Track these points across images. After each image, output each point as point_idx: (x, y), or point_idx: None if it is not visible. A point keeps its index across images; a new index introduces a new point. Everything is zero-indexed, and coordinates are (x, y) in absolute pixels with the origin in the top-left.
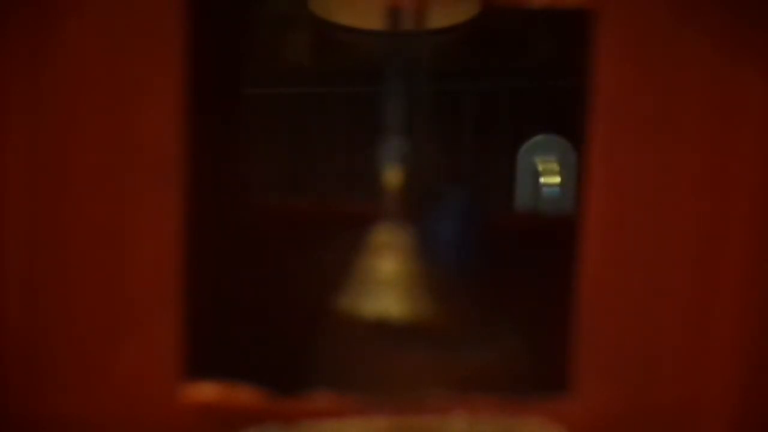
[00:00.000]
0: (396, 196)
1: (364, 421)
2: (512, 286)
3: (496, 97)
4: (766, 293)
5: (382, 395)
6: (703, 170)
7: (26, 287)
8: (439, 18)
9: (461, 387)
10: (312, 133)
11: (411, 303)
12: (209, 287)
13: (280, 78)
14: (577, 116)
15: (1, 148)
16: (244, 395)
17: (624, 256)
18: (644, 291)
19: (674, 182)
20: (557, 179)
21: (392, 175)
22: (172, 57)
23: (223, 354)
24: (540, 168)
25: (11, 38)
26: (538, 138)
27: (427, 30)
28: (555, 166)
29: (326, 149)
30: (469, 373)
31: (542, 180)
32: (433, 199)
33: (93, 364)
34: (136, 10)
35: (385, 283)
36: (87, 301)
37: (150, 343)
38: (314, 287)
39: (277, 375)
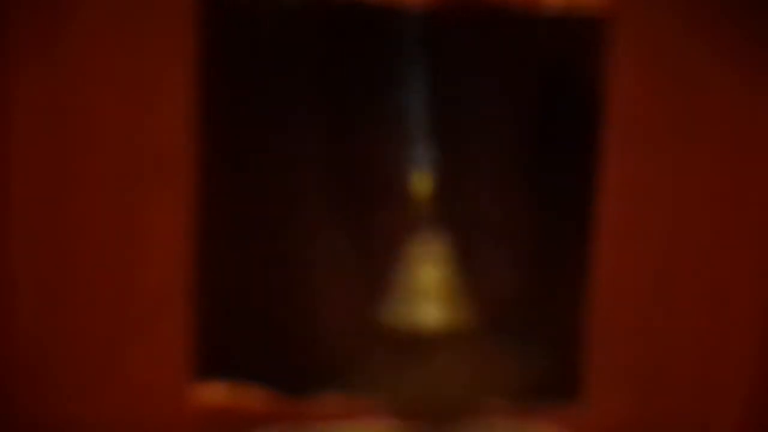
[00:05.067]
0: (425, 204)
1: (373, 423)
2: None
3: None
4: None
5: (396, 400)
6: (716, 178)
7: (36, 290)
8: None
9: (479, 392)
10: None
11: (449, 311)
12: (219, 290)
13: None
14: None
15: (11, 147)
16: (253, 397)
17: (636, 268)
18: (656, 302)
19: (688, 191)
20: None
21: (421, 183)
22: (183, 55)
23: (232, 356)
24: None
25: (22, 35)
26: None
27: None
28: None
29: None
30: (486, 379)
31: None
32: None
33: (103, 366)
34: (147, 8)
35: (424, 292)
36: (97, 304)
37: (160, 345)
38: (326, 290)
39: (287, 377)
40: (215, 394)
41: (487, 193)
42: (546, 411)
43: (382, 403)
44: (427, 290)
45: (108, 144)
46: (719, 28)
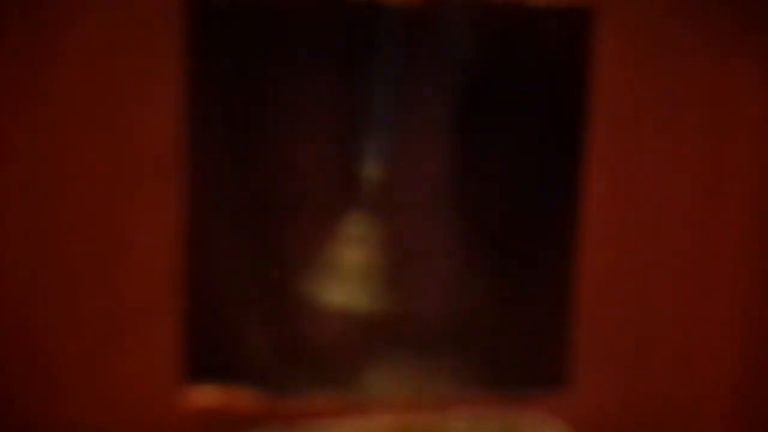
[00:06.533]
0: (372, 187)
1: (363, 420)
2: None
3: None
4: (762, 287)
5: (383, 393)
6: (700, 166)
7: (27, 293)
8: None
9: (459, 383)
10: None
11: (390, 296)
12: (208, 292)
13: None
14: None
15: (2, 151)
16: (244, 398)
17: (622, 254)
18: (641, 287)
19: (672, 178)
20: None
21: (370, 167)
22: (171, 61)
23: (222, 357)
24: None
25: (15, 42)
26: None
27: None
28: None
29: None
30: (466, 368)
31: None
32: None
33: (94, 368)
34: (136, 16)
35: (354, 273)
36: (88, 306)
37: (150, 346)
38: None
39: (276, 377)
40: (206, 395)
41: (468, 182)
42: (532, 398)
43: (372, 400)
44: (358, 272)
45: (97, 146)
46: (704, 15)
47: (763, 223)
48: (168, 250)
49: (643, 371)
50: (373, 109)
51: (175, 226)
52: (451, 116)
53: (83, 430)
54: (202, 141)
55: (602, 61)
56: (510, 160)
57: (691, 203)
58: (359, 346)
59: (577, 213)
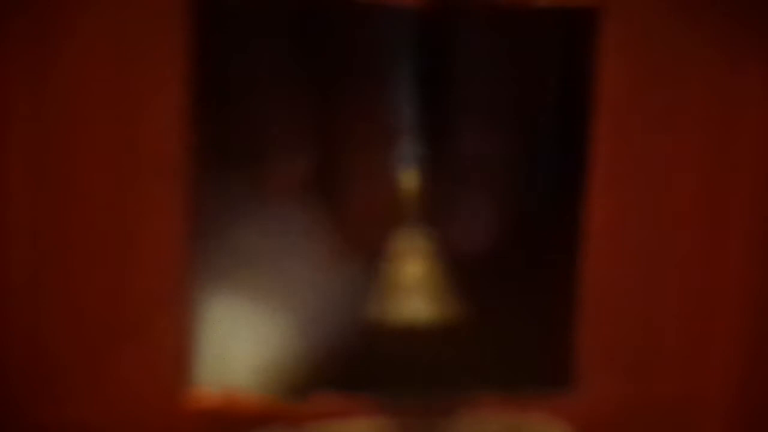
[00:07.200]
0: (413, 199)
1: (369, 421)
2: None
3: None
4: (764, 288)
5: (391, 395)
6: (704, 165)
7: (31, 294)
8: None
9: (471, 384)
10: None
11: (435, 305)
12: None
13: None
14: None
15: (6, 152)
16: (248, 399)
17: (626, 254)
18: (646, 288)
19: (676, 177)
20: None
21: (408, 179)
22: (175, 62)
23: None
24: None
25: (15, 42)
26: None
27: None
28: None
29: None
30: (477, 370)
31: None
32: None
33: (98, 370)
34: (140, 17)
35: (410, 287)
36: (92, 308)
37: (154, 348)
38: (319, 290)
39: (280, 378)
40: (211, 396)
41: (475, 184)
42: (538, 400)
43: (374, 401)
44: (413, 285)
45: (103, 150)
46: (708, 17)
47: (766, 223)
48: (174, 254)
49: (646, 373)
50: (404, 116)
51: (180, 227)
52: (461, 119)
53: (91, 429)
54: (209, 145)
55: (606, 61)
56: (513, 160)
57: (694, 203)
58: (362, 347)
59: (581, 214)
